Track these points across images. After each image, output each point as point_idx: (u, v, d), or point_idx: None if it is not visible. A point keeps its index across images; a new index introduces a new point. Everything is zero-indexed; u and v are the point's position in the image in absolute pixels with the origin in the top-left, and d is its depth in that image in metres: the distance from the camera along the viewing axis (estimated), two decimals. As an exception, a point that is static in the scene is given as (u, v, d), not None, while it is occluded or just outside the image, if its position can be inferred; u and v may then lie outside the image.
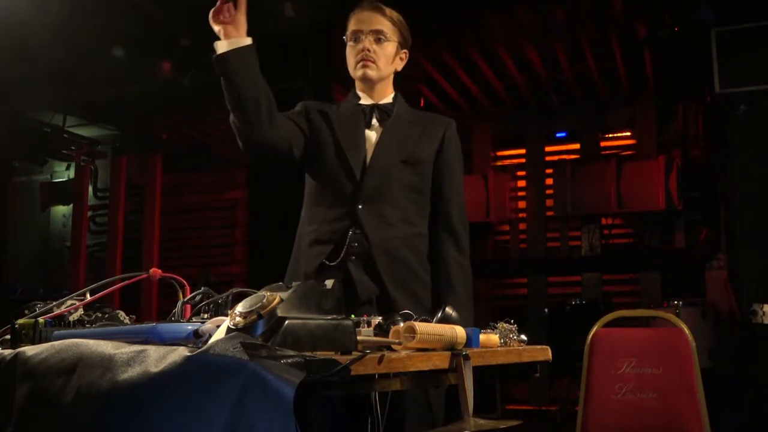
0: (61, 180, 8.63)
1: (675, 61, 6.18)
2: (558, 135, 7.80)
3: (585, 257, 7.40)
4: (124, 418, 1.04)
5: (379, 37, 2.14)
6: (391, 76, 2.24)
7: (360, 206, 2.07)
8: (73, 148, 8.03)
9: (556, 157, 7.74)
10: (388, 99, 2.22)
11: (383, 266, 2.03)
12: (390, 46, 2.17)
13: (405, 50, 2.23)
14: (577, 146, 7.74)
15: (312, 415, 1.78)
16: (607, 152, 7.56)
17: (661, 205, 6.81)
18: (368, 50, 2.13)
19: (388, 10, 2.19)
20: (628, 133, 7.62)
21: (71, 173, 8.56)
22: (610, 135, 7.69)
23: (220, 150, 8.21)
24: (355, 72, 2.18)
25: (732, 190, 5.04)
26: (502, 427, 1.35)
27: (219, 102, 2.01)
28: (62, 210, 8.61)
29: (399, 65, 2.24)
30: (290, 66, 5.40)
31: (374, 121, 2.19)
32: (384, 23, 2.16)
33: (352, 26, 2.18)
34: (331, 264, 2.04)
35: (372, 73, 2.15)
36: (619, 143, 7.68)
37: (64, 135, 7.71)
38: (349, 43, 2.18)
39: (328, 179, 2.15)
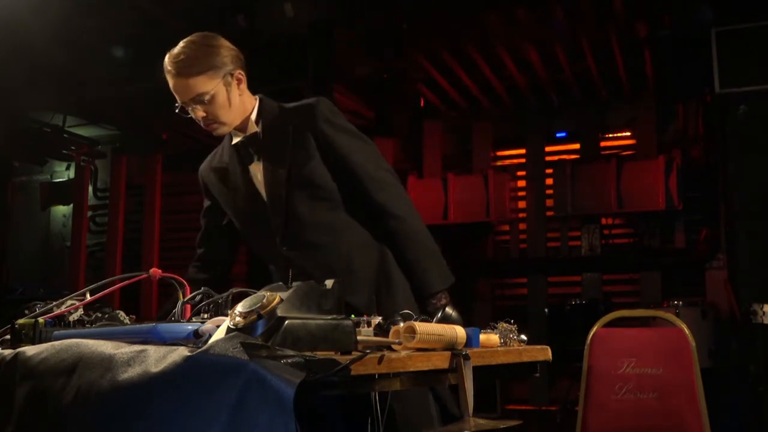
0: (61, 180, 8.63)
1: (675, 61, 6.18)
2: (558, 135, 7.79)
3: (585, 257, 7.39)
4: (124, 418, 1.04)
5: (201, 100, 1.96)
6: (245, 100, 2.06)
7: (284, 248, 2.05)
8: (73, 148, 8.02)
9: (556, 157, 7.72)
10: (254, 119, 2.08)
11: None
12: (218, 96, 1.97)
13: (237, 70, 2.00)
14: (577, 146, 7.72)
15: (312, 415, 1.78)
16: (607, 152, 7.55)
17: (661, 205, 6.80)
18: (201, 118, 2.01)
19: (191, 60, 1.94)
20: (628, 133, 7.61)
21: (71, 173, 8.55)
22: (610, 135, 7.68)
23: (220, 150, 8.19)
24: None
25: (732, 190, 5.03)
26: (502, 427, 1.35)
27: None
28: (62, 210, 8.61)
29: (241, 87, 2.03)
30: (290, 66, 5.40)
31: (254, 156, 2.10)
32: (195, 85, 1.95)
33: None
34: None
35: (223, 129, 2.06)
36: (619, 143, 7.67)
37: (64, 135, 7.71)
38: None
39: (247, 236, 2.19)
